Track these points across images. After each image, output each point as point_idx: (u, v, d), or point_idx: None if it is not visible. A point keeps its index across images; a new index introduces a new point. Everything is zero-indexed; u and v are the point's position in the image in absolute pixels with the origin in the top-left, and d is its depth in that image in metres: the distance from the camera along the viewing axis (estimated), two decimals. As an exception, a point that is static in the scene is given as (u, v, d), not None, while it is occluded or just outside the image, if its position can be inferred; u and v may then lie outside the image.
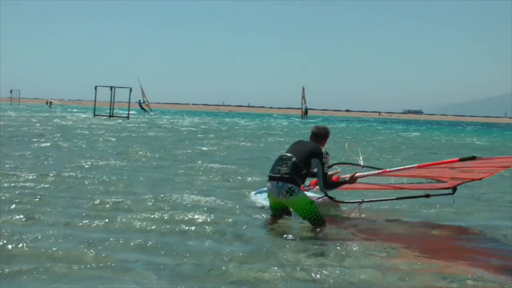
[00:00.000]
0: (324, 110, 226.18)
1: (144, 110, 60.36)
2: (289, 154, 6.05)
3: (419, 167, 5.89)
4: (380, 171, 6.30)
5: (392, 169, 6.22)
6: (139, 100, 60.80)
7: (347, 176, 6.35)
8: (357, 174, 6.30)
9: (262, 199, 7.05)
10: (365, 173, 6.37)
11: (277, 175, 5.95)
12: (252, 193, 7.59)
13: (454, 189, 6.87)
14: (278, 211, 6.23)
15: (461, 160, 5.36)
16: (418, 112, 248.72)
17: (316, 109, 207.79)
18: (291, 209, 6.17)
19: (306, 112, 62.60)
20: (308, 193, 6.87)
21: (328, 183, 6.16)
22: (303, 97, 61.57)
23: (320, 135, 6.37)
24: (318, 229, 5.99)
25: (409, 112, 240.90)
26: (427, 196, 6.86)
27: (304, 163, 5.98)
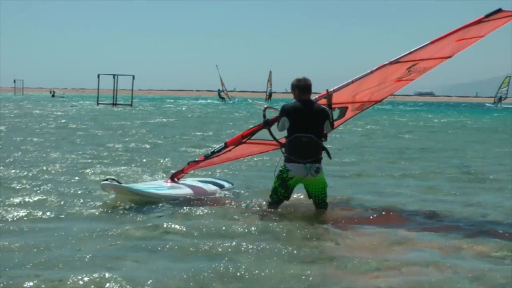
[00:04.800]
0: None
1: (223, 99, 59.61)
2: (307, 135, 5.96)
3: (431, 42, 6.00)
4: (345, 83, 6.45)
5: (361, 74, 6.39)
6: (219, 89, 59.70)
7: (325, 99, 6.35)
8: (330, 90, 6.32)
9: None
10: (335, 87, 6.43)
11: (304, 161, 5.96)
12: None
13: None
14: (289, 192, 6.16)
15: (487, 16, 5.66)
16: (430, 94, 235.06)
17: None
18: (308, 189, 6.15)
19: (270, 95, 63.66)
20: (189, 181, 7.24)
21: (333, 125, 6.24)
22: (269, 80, 62.64)
23: (308, 86, 6.20)
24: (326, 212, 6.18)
25: (420, 94, 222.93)
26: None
27: (321, 135, 6.07)
